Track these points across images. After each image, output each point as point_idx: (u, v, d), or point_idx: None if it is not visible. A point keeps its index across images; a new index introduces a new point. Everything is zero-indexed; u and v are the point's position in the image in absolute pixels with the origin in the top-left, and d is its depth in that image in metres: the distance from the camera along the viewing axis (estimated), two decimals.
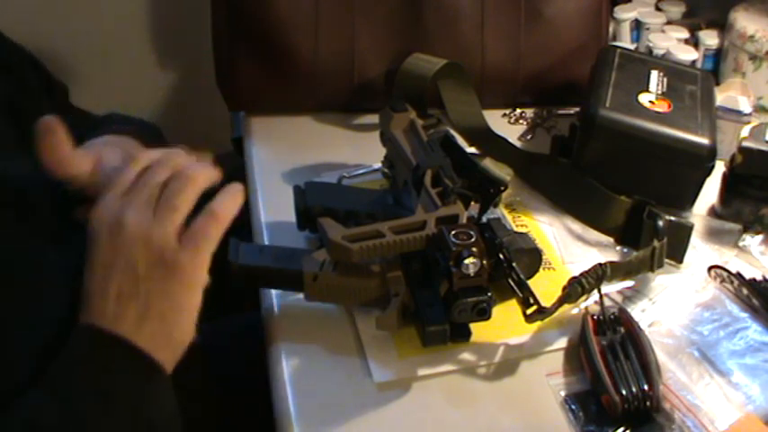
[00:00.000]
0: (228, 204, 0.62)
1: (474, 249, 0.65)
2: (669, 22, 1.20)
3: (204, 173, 0.62)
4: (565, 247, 0.86)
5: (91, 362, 0.58)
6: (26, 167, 0.63)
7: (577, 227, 0.89)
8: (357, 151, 0.99)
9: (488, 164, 0.79)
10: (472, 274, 0.65)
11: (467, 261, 0.65)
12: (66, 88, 0.83)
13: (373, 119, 0.91)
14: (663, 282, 0.82)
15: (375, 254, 0.68)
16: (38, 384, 0.57)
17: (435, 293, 0.69)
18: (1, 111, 0.66)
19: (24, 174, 0.63)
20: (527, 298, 0.70)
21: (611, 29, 1.16)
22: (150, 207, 0.60)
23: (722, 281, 0.81)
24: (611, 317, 0.74)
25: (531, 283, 0.72)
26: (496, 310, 0.69)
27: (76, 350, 0.58)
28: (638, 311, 0.78)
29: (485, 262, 0.66)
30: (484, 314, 0.67)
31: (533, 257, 0.77)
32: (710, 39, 1.14)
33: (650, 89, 0.94)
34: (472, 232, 0.67)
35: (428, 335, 0.69)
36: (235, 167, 0.84)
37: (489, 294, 0.67)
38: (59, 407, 0.55)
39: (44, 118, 0.59)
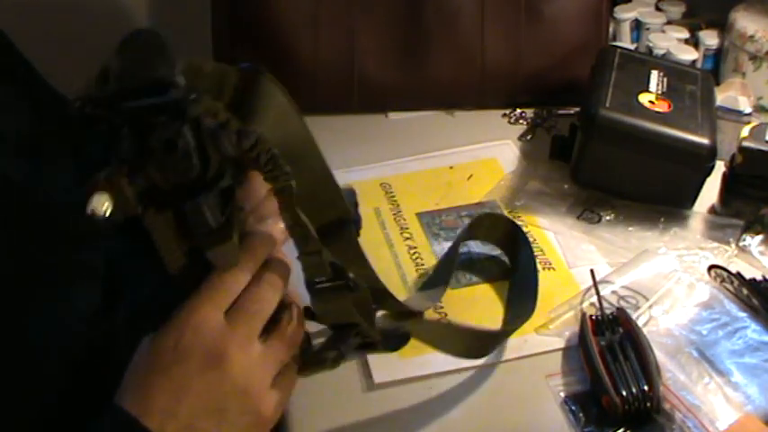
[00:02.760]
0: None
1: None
2: (669, 22, 1.19)
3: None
4: (569, 250, 0.86)
5: None
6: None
7: (580, 231, 0.89)
8: (357, 151, 0.99)
9: None
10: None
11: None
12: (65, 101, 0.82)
13: (374, 119, 0.91)
14: (662, 282, 0.81)
15: None
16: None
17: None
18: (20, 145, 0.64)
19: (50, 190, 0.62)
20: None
21: (611, 29, 1.16)
22: (253, 344, 0.53)
23: (722, 281, 0.81)
24: (610, 317, 0.74)
25: None
26: (496, 311, 0.69)
27: None
28: (636, 311, 0.78)
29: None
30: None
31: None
32: (710, 39, 1.14)
33: (650, 89, 0.94)
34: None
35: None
36: None
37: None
38: None
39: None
